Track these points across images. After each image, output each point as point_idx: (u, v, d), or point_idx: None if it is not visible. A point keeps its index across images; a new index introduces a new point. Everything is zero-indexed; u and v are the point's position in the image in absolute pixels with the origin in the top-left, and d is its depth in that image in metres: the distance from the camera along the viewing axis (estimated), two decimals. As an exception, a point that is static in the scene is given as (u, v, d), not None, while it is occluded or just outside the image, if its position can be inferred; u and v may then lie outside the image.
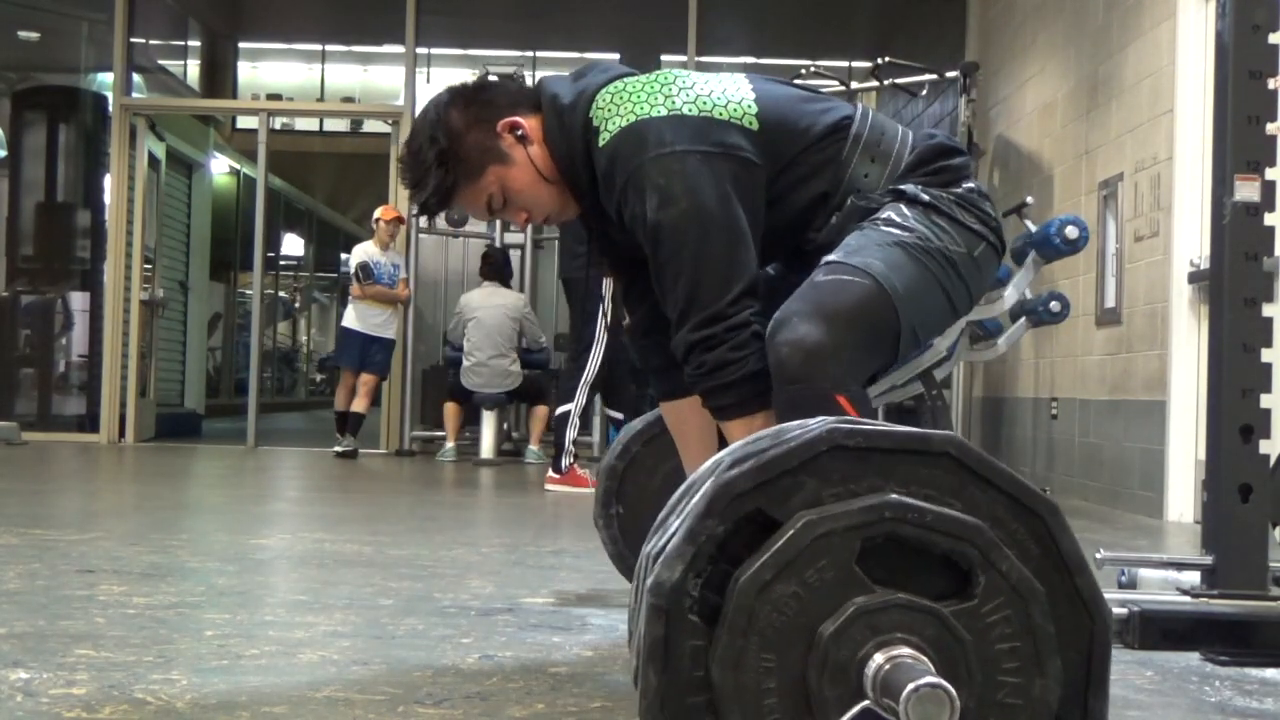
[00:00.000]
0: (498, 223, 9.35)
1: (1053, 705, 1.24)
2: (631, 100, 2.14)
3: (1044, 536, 1.27)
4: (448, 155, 2.20)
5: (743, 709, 1.21)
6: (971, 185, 2.21)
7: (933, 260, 2.10)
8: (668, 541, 1.25)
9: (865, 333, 2.02)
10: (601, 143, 2.14)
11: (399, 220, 8.94)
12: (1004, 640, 1.23)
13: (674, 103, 2.12)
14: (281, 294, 20.25)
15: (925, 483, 1.26)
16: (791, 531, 1.22)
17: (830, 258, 2.08)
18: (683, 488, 1.36)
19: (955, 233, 2.13)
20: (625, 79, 2.21)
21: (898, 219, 2.12)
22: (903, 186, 2.16)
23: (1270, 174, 2.19)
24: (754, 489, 1.24)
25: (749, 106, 2.14)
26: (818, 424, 1.28)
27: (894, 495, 1.24)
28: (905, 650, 1.20)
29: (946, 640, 1.22)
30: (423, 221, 9.24)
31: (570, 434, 6.37)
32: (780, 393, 1.99)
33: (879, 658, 1.20)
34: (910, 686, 1.14)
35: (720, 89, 2.16)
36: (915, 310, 2.07)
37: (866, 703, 1.20)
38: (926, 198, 2.14)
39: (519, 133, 2.21)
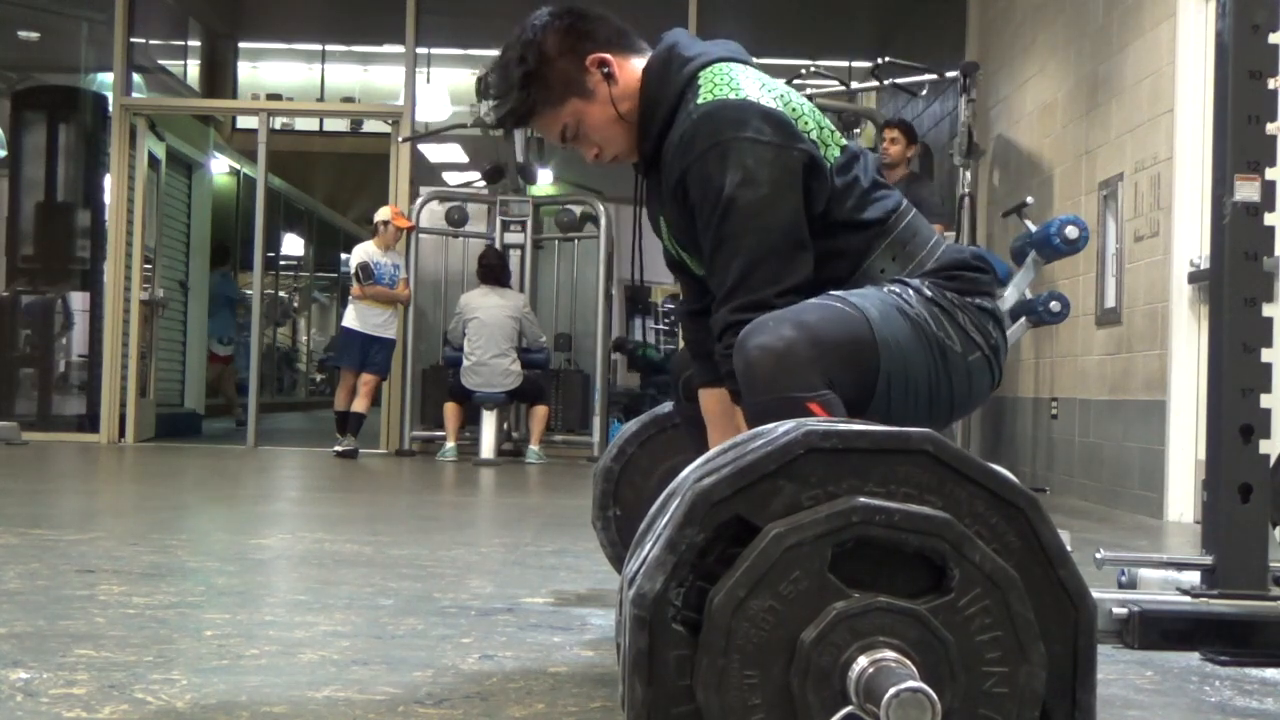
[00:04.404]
0: (498, 223, 9.35)
1: (1039, 691, 1.24)
2: (750, 82, 2.14)
3: (1024, 529, 1.27)
4: (533, 78, 2.19)
5: None
6: (987, 305, 2.12)
7: (925, 339, 2.03)
8: (648, 554, 1.25)
9: (842, 355, 1.94)
10: (700, 99, 2.11)
11: (411, 229, 9.02)
12: (984, 631, 1.23)
13: (784, 100, 2.13)
14: (281, 294, 20.22)
15: (904, 481, 1.26)
16: (761, 546, 1.21)
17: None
18: (657, 503, 1.35)
19: (954, 331, 2.06)
20: (748, 65, 2.22)
21: (900, 294, 2.07)
22: (909, 279, 2.10)
23: (1270, 174, 2.19)
24: (732, 495, 1.24)
25: (839, 139, 2.16)
26: (793, 426, 1.28)
27: (860, 499, 1.23)
28: (888, 654, 1.20)
29: (928, 640, 1.21)
30: (423, 222, 9.26)
31: None
32: (749, 405, 1.93)
33: (862, 661, 1.20)
34: (891, 691, 1.14)
35: (816, 111, 2.18)
36: (897, 362, 1.99)
37: (850, 708, 1.19)
38: (929, 293, 2.08)
39: (606, 70, 2.20)
